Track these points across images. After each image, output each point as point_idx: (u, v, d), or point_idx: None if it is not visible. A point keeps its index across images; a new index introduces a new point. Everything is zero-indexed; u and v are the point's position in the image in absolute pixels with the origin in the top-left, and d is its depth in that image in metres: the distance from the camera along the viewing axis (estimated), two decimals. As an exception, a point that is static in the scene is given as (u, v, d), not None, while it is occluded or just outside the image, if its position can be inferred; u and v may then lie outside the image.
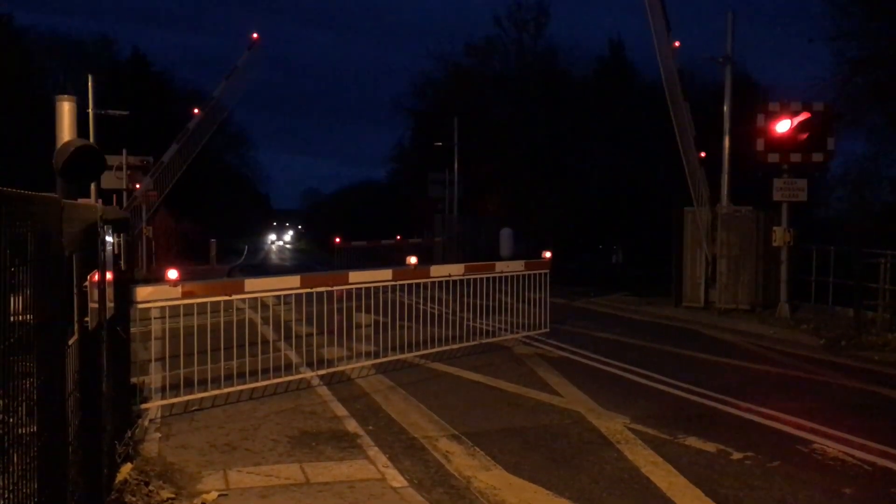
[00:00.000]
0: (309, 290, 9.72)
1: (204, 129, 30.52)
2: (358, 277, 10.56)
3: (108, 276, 5.28)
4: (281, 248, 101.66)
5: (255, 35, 30.36)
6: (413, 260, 11.31)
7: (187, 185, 45.38)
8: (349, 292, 10.65)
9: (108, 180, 25.68)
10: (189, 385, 8.64)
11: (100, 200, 18.44)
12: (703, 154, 17.96)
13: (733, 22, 18.04)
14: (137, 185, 28.19)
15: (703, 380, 10.22)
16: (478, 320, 12.26)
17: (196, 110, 30.98)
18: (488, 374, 10.53)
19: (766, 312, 16.74)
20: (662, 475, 6.47)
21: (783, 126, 15.98)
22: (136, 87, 46.79)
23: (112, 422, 5.68)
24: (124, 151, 27.10)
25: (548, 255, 13.37)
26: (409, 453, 7.12)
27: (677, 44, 17.38)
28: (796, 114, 16.07)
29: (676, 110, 18.02)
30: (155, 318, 8.28)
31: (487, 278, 12.27)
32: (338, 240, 40.58)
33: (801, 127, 15.91)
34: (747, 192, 19.91)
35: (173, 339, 8.30)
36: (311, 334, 10.32)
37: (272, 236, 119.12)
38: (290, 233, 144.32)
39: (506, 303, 12.71)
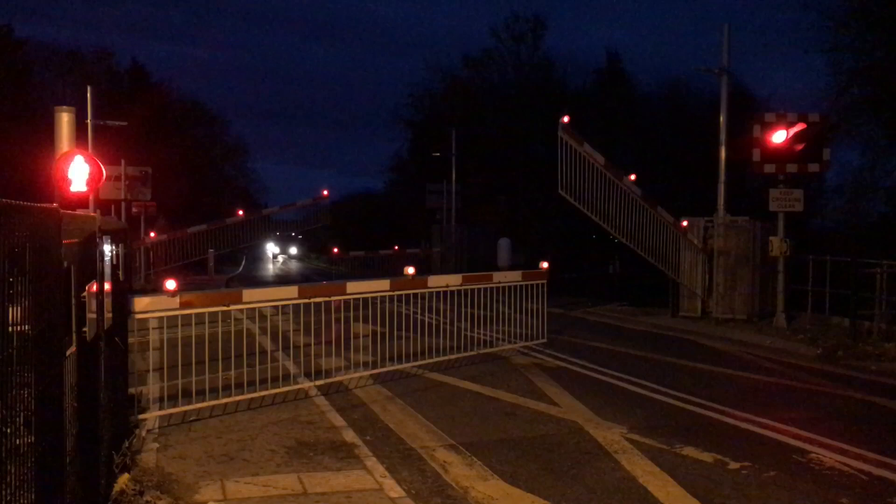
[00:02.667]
0: (307, 301, 9.74)
1: (243, 233, 31.69)
2: (356, 288, 10.58)
3: (107, 286, 5.30)
4: (286, 262, 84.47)
5: (325, 192, 32.89)
6: (411, 270, 11.34)
7: (186, 196, 45.42)
8: (347, 303, 10.67)
9: (107, 191, 25.71)
10: (187, 395, 8.64)
11: (98, 211, 18.44)
12: (684, 223, 17.98)
13: (729, 34, 18.15)
14: (153, 234, 28.86)
15: (699, 389, 10.24)
16: (475, 330, 12.27)
17: (240, 212, 32.35)
18: (486, 384, 10.54)
19: (763, 322, 16.76)
20: (659, 485, 6.48)
21: (779, 137, 16.03)
22: (135, 98, 46.86)
23: (109, 432, 5.69)
24: (123, 162, 27.17)
25: (545, 265, 13.40)
26: (406, 463, 7.13)
27: (633, 177, 17.38)
28: (792, 124, 16.13)
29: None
30: (153, 329, 8.29)
31: (485, 288, 12.29)
32: (336, 250, 40.69)
33: (797, 138, 15.97)
34: (744, 203, 19.97)
35: (171, 349, 8.30)
36: (309, 344, 10.33)
37: (274, 248, 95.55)
38: (291, 239, 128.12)
39: (503, 313, 12.73)
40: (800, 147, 16.04)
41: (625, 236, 17.29)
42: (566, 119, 14.90)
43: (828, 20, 23.98)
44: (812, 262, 16.73)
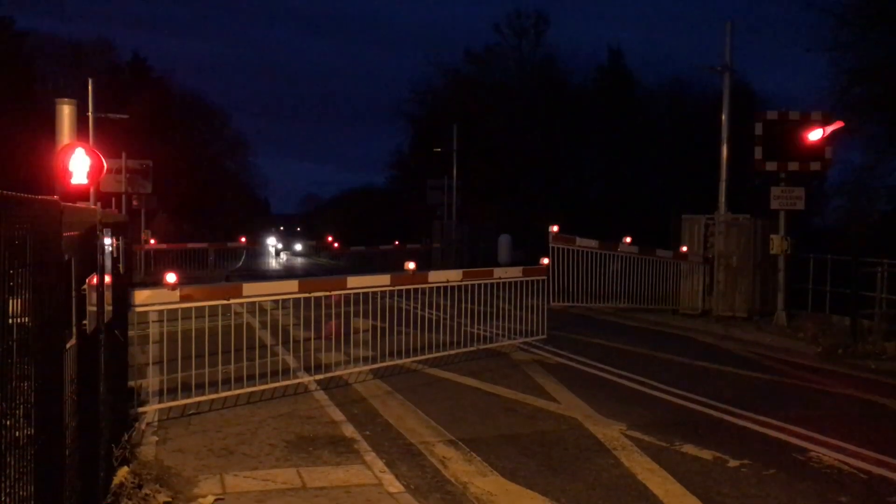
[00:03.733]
0: (307, 295, 9.73)
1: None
2: (356, 283, 10.57)
3: (107, 279, 5.29)
4: (290, 258, 67.30)
5: (329, 237, 39.22)
6: (411, 265, 11.33)
7: (187, 190, 45.39)
8: (347, 297, 10.65)
9: (108, 184, 25.71)
10: (186, 389, 8.64)
11: (98, 204, 18.47)
12: (684, 248, 18.08)
13: (732, 32, 18.12)
14: (153, 241, 29.53)
15: (699, 387, 10.23)
16: (475, 326, 12.26)
17: (242, 238, 36.29)
18: (486, 380, 10.54)
19: (764, 320, 16.75)
20: (659, 482, 6.48)
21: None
22: (136, 91, 46.84)
23: (109, 425, 5.69)
24: (124, 155, 27.16)
25: (546, 261, 13.40)
26: (405, 458, 7.13)
27: (628, 239, 17.31)
28: (794, 122, 16.12)
29: None
30: (153, 322, 8.29)
31: (485, 284, 12.28)
32: (336, 245, 40.73)
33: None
34: (745, 201, 19.95)
35: (171, 342, 8.31)
36: (309, 339, 10.33)
37: (276, 243, 76.64)
38: (295, 234, 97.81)
39: (504, 309, 12.72)
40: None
41: (624, 299, 17.34)
42: (555, 228, 14.60)
43: (830, 18, 23.95)
44: (813, 260, 16.73)
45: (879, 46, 24.41)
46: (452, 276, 12.05)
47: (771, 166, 16.40)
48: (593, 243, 16.06)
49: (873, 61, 24.35)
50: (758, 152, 16.43)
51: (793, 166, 16.30)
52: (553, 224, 17.19)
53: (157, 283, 9.83)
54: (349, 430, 7.85)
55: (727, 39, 18.07)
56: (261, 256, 46.83)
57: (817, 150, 16.21)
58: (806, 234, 23.60)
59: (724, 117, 18.13)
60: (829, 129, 15.91)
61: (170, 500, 5.74)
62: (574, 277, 16.37)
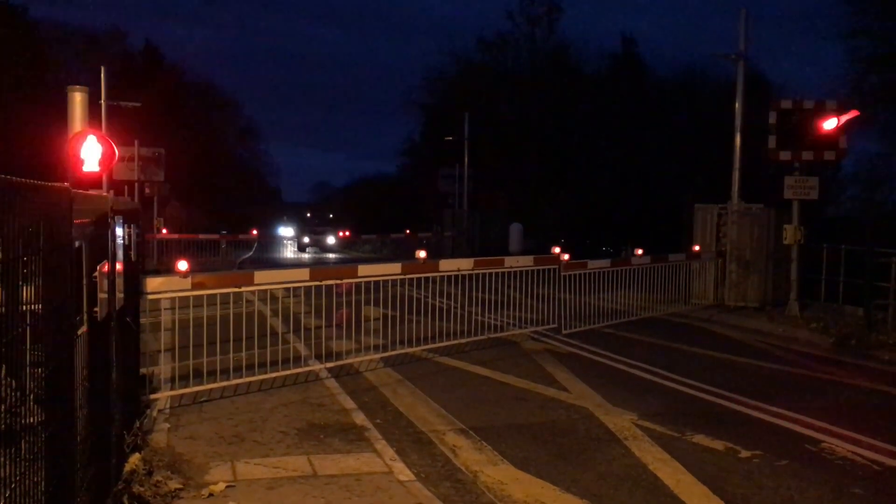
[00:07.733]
0: (318, 283, 9.74)
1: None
2: (367, 271, 10.57)
3: (118, 266, 5.30)
4: (318, 252, 48.66)
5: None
6: (422, 254, 11.32)
7: (199, 178, 45.48)
8: (358, 286, 10.66)
9: (120, 171, 25.81)
10: (198, 376, 8.67)
11: (111, 191, 18.56)
12: (696, 248, 17.67)
13: (746, 19, 17.94)
14: (164, 231, 30.03)
15: (711, 377, 10.19)
16: (486, 315, 12.25)
17: (254, 231, 38.53)
18: (496, 368, 10.53)
19: (776, 310, 16.64)
20: (670, 472, 6.46)
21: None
22: (149, 79, 46.91)
23: (121, 412, 5.71)
24: (136, 143, 27.24)
25: (557, 250, 13.38)
26: (416, 447, 7.14)
27: (640, 251, 16.66)
28: (809, 111, 15.97)
29: None
30: (165, 309, 8.31)
31: (496, 273, 12.26)
32: (347, 233, 40.79)
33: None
34: (759, 190, 19.81)
35: (183, 329, 8.33)
36: (320, 327, 10.34)
37: (299, 233, 57.92)
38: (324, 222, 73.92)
39: (515, 298, 12.70)
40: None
41: (639, 309, 17.03)
42: (567, 257, 14.23)
43: (847, 6, 23.70)
44: (826, 250, 16.59)
45: (896, 34, 24.16)
46: (463, 264, 12.04)
47: (785, 156, 16.27)
48: (606, 263, 15.72)
49: (890, 50, 24.10)
50: (771, 141, 16.29)
51: (807, 155, 16.15)
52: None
53: (170, 270, 9.84)
54: (360, 418, 7.86)
55: (741, 27, 17.90)
56: (274, 245, 46.31)
57: (832, 139, 16.04)
58: (819, 224, 23.41)
59: (737, 106, 17.97)
60: (844, 117, 15.72)
61: (181, 486, 5.77)
62: (585, 298, 15.84)
